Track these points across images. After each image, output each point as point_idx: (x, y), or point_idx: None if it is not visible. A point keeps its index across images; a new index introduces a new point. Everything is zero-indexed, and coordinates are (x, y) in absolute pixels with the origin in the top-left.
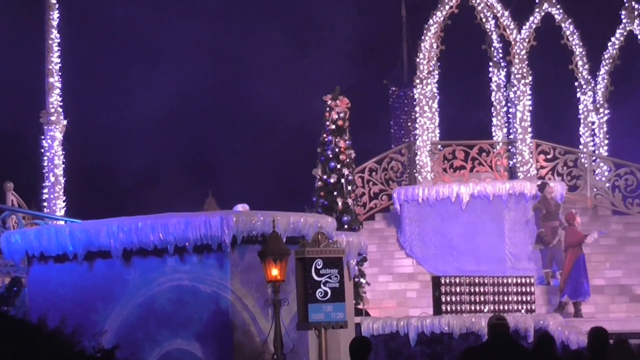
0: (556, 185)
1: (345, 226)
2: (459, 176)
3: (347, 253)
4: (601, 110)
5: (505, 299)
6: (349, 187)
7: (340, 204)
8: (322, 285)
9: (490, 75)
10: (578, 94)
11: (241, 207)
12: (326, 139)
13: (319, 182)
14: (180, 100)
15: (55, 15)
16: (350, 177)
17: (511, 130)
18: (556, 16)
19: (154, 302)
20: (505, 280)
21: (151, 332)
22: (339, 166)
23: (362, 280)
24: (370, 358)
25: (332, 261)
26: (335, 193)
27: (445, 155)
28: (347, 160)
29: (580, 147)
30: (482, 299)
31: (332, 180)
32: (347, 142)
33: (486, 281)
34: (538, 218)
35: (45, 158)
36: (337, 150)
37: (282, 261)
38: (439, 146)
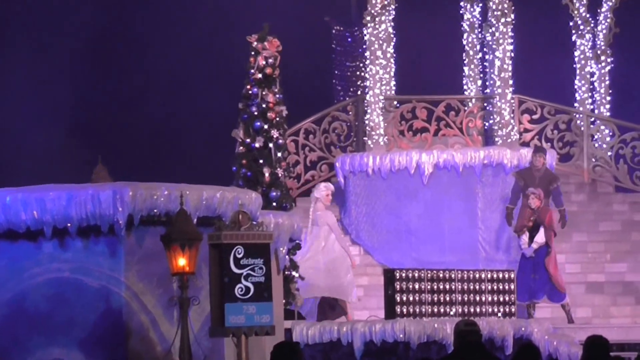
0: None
1: (274, 204)
2: (420, 141)
3: (276, 238)
4: (603, 58)
5: (478, 299)
6: (279, 154)
7: (267, 175)
8: (242, 280)
9: (461, 12)
10: (573, 37)
11: (324, 188)
12: (250, 92)
13: (241, 147)
14: (62, 45)
15: None
16: (280, 141)
17: (488, 83)
18: None
19: (25, 300)
20: (477, 275)
21: (20, 337)
22: (266, 126)
23: (294, 273)
24: None
25: (257, 249)
26: (261, 161)
27: (402, 114)
28: (277, 119)
29: (576, 105)
30: (447, 298)
31: (257, 145)
32: (278, 96)
33: (453, 276)
34: (513, 191)
35: None
36: (264, 105)
37: (192, 248)
38: (395, 102)
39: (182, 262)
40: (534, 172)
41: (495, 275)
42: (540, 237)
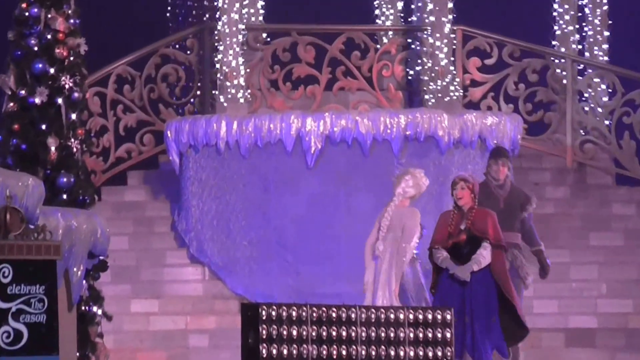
0: (503, 121)
1: (64, 196)
2: (305, 98)
3: (67, 252)
4: None
5: (393, 353)
6: (74, 116)
7: (53, 149)
8: (10, 319)
9: None
10: None
11: (419, 175)
12: (27, 14)
13: (11, 104)
14: None
15: None
16: (76, 95)
17: (413, 6)
18: None
19: None
20: (392, 316)
21: None
22: (52, 70)
23: (96, 309)
24: None
25: (35, 269)
26: (43, 127)
27: (276, 55)
28: (72, 58)
29: (554, 44)
30: (344, 352)
31: (37, 100)
32: (73, 21)
33: (353, 317)
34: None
35: None
36: (49, 36)
37: None
38: (265, 35)
39: None
40: (493, 189)
41: (420, 317)
42: (486, 254)
